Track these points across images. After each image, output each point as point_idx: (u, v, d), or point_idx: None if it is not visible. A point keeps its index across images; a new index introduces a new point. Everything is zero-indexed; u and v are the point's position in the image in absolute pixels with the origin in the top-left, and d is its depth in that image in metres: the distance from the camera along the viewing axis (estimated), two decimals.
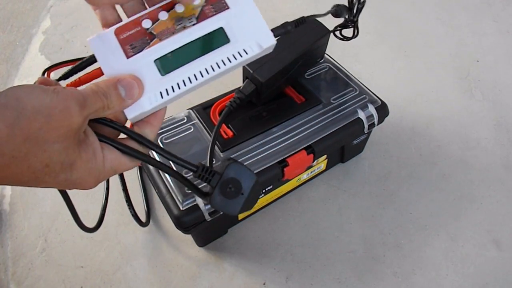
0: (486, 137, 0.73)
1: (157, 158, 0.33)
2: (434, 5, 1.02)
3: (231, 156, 0.51)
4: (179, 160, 0.31)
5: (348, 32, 0.55)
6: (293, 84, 0.60)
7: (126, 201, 0.60)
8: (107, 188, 0.59)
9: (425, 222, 0.61)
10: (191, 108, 0.57)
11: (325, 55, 0.66)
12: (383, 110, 0.58)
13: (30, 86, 0.23)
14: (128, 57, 0.29)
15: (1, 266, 0.57)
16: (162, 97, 0.30)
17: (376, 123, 0.58)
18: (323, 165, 0.63)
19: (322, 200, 0.64)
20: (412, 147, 0.71)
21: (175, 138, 0.53)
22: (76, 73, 0.33)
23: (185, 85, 0.30)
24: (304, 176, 0.62)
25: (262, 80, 0.51)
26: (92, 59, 0.31)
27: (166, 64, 0.30)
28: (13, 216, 0.62)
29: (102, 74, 0.29)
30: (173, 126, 0.55)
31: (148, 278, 0.55)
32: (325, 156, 0.60)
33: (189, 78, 0.30)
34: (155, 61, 0.30)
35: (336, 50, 0.89)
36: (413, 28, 0.95)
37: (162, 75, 0.30)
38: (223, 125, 0.54)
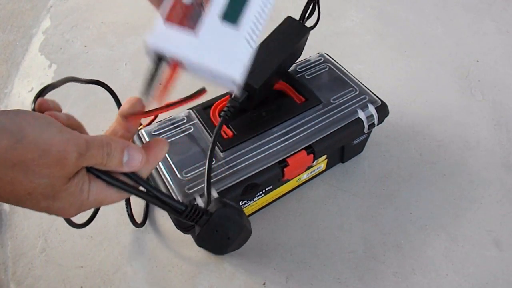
0: (486, 137, 0.73)
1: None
2: (434, 5, 1.02)
3: (232, 156, 0.51)
4: (167, 199, 0.31)
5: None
6: (286, 81, 0.60)
7: (125, 200, 0.60)
8: None
9: (425, 222, 0.61)
10: (191, 108, 0.57)
11: (325, 54, 0.66)
12: (383, 110, 0.58)
13: (38, 116, 0.23)
14: (195, 30, 0.28)
15: (1, 266, 0.57)
16: (250, 46, 0.29)
17: (376, 123, 0.58)
18: (323, 165, 0.63)
19: (322, 200, 0.64)
20: (412, 147, 0.71)
21: (175, 138, 0.53)
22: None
23: (259, 22, 0.30)
24: (304, 176, 0.62)
25: (256, 87, 0.51)
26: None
27: (232, 14, 0.29)
28: (13, 216, 0.62)
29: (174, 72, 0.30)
30: (173, 126, 0.55)
31: (148, 278, 0.55)
32: (325, 156, 0.60)
33: (258, 13, 0.29)
34: (220, 18, 0.29)
35: (336, 50, 0.89)
36: (413, 28, 0.95)
37: (235, 25, 0.29)
38: (223, 125, 0.54)
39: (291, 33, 0.57)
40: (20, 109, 0.23)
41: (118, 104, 0.48)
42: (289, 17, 0.58)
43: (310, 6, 0.58)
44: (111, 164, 0.27)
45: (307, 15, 0.58)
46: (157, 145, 0.31)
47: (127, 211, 0.59)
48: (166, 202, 0.30)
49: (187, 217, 0.32)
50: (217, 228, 0.33)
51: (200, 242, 0.33)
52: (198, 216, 0.32)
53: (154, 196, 0.30)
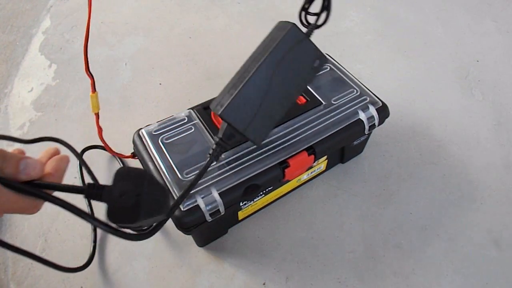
0: (486, 137, 0.73)
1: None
2: (434, 5, 1.02)
3: (232, 157, 0.51)
4: (64, 187, 0.31)
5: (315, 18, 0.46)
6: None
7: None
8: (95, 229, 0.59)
9: (425, 222, 0.61)
10: (191, 108, 0.57)
11: (326, 55, 0.66)
12: (383, 111, 0.58)
13: None
14: None
15: (1, 266, 0.57)
16: None
17: (376, 124, 0.58)
18: (323, 166, 0.63)
19: (322, 200, 0.64)
20: (412, 147, 0.71)
21: (175, 138, 0.53)
22: None
23: None
24: (304, 177, 0.62)
25: (258, 145, 0.44)
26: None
27: None
28: (13, 216, 0.62)
29: None
30: (174, 126, 0.55)
31: (148, 278, 0.55)
32: (325, 157, 0.60)
33: None
34: None
35: (336, 50, 0.89)
36: (413, 28, 0.95)
37: None
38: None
39: (301, 60, 0.43)
40: None
41: (75, 153, 0.49)
42: (293, 26, 0.42)
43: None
44: (6, 171, 0.27)
45: (318, 11, 0.46)
46: (59, 158, 0.34)
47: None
48: (65, 191, 0.31)
49: (90, 196, 0.31)
50: (121, 191, 0.31)
51: (114, 218, 0.30)
52: (99, 189, 0.31)
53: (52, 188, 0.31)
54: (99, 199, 0.31)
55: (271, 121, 0.43)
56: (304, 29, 0.45)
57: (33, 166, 0.29)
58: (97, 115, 0.54)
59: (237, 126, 0.40)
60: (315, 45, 0.43)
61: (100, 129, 0.55)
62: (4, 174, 0.27)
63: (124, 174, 0.32)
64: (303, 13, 0.48)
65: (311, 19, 0.47)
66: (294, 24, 0.42)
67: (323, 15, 0.45)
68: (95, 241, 0.59)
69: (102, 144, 0.57)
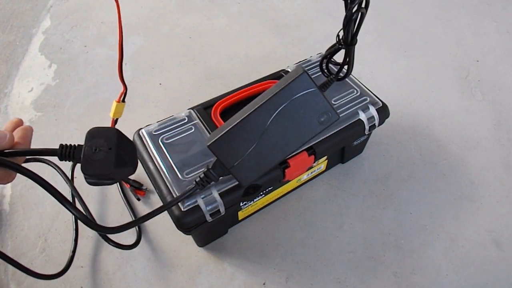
0: (486, 137, 0.73)
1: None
2: (434, 5, 1.02)
3: None
4: (37, 151, 0.32)
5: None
6: None
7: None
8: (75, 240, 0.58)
9: (425, 222, 0.61)
10: (191, 108, 0.57)
11: None
12: (384, 111, 0.58)
13: None
14: None
15: (1, 266, 0.57)
16: None
17: (377, 124, 0.58)
18: (323, 166, 0.63)
19: (322, 200, 0.64)
20: (412, 147, 0.71)
21: (175, 138, 0.53)
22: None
23: None
24: (304, 177, 0.62)
25: (245, 184, 0.44)
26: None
27: None
28: (13, 216, 0.62)
29: None
30: (174, 126, 0.55)
31: (148, 278, 0.55)
32: (325, 157, 0.60)
33: None
34: None
35: None
36: (413, 28, 0.95)
37: None
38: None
39: (306, 112, 0.40)
40: None
41: (65, 177, 0.50)
42: (304, 73, 0.39)
43: (334, 52, 0.45)
44: None
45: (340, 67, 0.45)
46: (24, 128, 0.35)
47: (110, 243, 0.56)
48: (37, 154, 0.32)
49: (65, 156, 0.33)
50: (93, 147, 0.33)
51: (88, 169, 0.33)
52: (73, 149, 0.33)
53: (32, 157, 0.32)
54: (72, 158, 0.33)
55: (261, 166, 0.42)
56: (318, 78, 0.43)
57: (2, 137, 0.31)
58: (115, 120, 0.55)
59: (224, 162, 0.41)
60: (325, 99, 0.40)
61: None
62: None
63: (95, 133, 0.34)
64: (324, 61, 0.45)
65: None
66: (306, 72, 0.39)
67: (345, 68, 0.44)
68: (76, 232, 0.58)
69: None
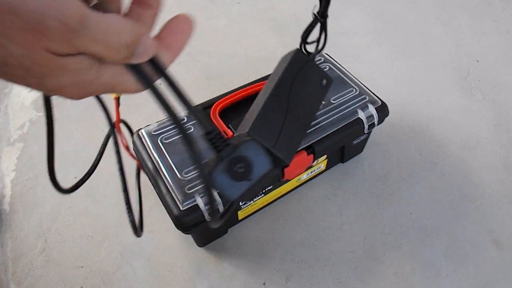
0: (486, 137, 0.73)
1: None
2: (433, 5, 1.02)
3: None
4: (194, 110, 0.26)
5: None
6: None
7: (126, 204, 0.51)
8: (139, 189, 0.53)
9: (425, 222, 0.61)
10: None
11: (325, 54, 0.66)
12: (383, 110, 0.58)
13: None
14: None
15: (1, 266, 0.57)
16: None
17: (376, 123, 0.58)
18: (323, 165, 0.63)
19: (322, 200, 0.64)
20: (412, 147, 0.71)
21: (175, 138, 0.53)
22: None
23: None
24: (304, 176, 0.62)
25: (288, 162, 0.43)
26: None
27: None
28: (13, 216, 0.62)
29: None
30: (173, 126, 0.55)
31: (148, 278, 0.55)
32: (325, 156, 0.60)
33: None
34: None
35: (336, 50, 0.89)
36: (413, 28, 0.95)
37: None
38: (223, 125, 0.54)
39: (310, 80, 0.45)
40: None
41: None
42: (297, 50, 0.45)
43: (313, 27, 0.50)
44: (115, 58, 0.20)
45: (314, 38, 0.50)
46: (180, 30, 0.25)
47: (129, 217, 0.52)
48: (195, 116, 0.26)
49: (212, 141, 0.28)
50: (240, 162, 0.29)
51: (214, 178, 0.28)
52: (223, 143, 0.28)
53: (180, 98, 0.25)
54: (217, 151, 0.28)
55: (295, 139, 0.43)
56: None
57: (147, 50, 0.22)
58: (118, 100, 0.50)
59: (266, 143, 0.41)
60: (319, 66, 0.46)
61: (118, 115, 0.52)
62: (107, 58, 0.21)
63: (253, 150, 0.29)
64: (303, 44, 0.51)
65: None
66: (298, 48, 0.44)
67: (321, 41, 0.50)
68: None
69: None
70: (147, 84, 0.24)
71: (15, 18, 0.16)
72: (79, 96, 0.21)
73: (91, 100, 0.82)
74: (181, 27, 0.25)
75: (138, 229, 0.48)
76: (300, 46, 0.51)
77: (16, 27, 0.16)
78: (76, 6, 0.17)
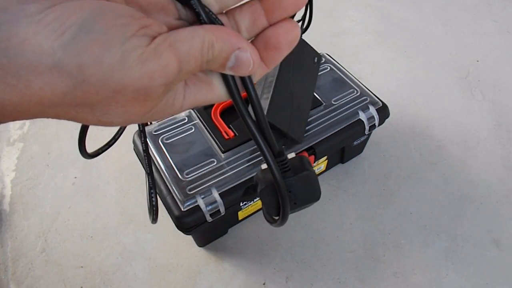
0: (486, 137, 0.73)
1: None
2: (434, 5, 1.02)
3: (233, 157, 0.51)
4: (267, 132, 0.24)
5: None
6: None
7: (150, 188, 0.46)
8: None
9: (425, 222, 0.61)
10: (192, 108, 0.57)
11: (326, 55, 0.66)
12: (384, 111, 0.58)
13: (105, 28, 0.15)
14: None
15: (1, 266, 0.57)
16: None
17: (377, 124, 0.58)
18: (323, 166, 0.63)
19: (322, 200, 0.64)
20: (412, 147, 0.71)
21: (175, 138, 0.53)
22: None
23: None
24: None
25: (302, 140, 0.46)
26: None
27: None
28: (13, 216, 0.62)
29: None
30: (174, 126, 0.55)
31: (148, 278, 0.55)
32: (325, 157, 0.60)
33: None
34: None
35: (336, 50, 0.89)
36: (413, 28, 0.95)
37: None
38: (224, 126, 0.54)
39: (305, 59, 0.47)
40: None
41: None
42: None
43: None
44: (210, 67, 0.19)
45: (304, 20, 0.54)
46: (281, 45, 0.21)
47: (152, 201, 0.46)
48: (265, 135, 0.25)
49: (280, 162, 0.27)
50: (292, 189, 0.29)
51: (263, 195, 0.29)
52: (286, 167, 0.28)
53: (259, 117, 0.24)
54: (284, 172, 0.28)
55: (303, 118, 0.45)
56: None
57: (245, 64, 0.19)
58: None
59: (280, 127, 0.41)
60: (308, 43, 0.47)
61: None
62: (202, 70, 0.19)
63: (308, 181, 0.30)
64: None
65: None
66: None
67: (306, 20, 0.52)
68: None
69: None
70: (235, 95, 0.22)
71: (121, 96, 0.17)
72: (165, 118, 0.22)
73: None
74: (285, 37, 0.21)
75: (155, 215, 0.46)
76: None
77: (118, 105, 0.17)
78: (174, 59, 0.17)
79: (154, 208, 0.45)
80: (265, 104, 0.41)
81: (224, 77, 0.21)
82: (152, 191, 0.44)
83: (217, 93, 0.21)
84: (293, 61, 0.44)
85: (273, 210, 0.30)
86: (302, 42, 0.46)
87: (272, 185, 0.29)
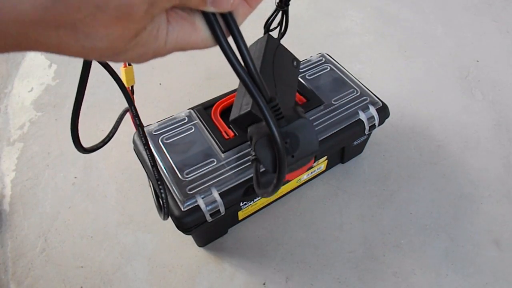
0: (486, 137, 0.73)
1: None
2: (434, 5, 1.02)
3: (233, 157, 0.51)
4: (257, 77, 0.24)
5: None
6: None
7: (158, 181, 0.43)
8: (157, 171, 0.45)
9: (425, 222, 0.61)
10: (191, 108, 0.57)
11: (326, 55, 0.66)
12: (383, 111, 0.58)
13: None
14: None
15: (1, 266, 0.57)
16: None
17: (377, 124, 0.58)
18: (323, 166, 0.63)
19: (322, 200, 0.64)
20: (412, 147, 0.71)
21: (175, 138, 0.53)
22: None
23: None
24: (304, 177, 0.62)
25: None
26: None
27: None
28: (13, 216, 0.62)
29: None
30: (174, 126, 0.55)
31: (148, 278, 0.55)
32: (325, 157, 0.60)
33: None
34: None
35: (336, 50, 0.89)
36: (413, 28, 0.95)
37: None
38: (224, 125, 0.54)
39: (284, 61, 0.48)
40: None
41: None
42: (269, 35, 0.49)
43: (275, 14, 0.55)
44: (190, 3, 0.19)
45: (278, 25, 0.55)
46: None
47: (162, 194, 0.44)
48: (256, 82, 0.24)
49: (273, 108, 0.26)
50: (289, 138, 0.28)
51: (258, 148, 0.28)
52: (279, 114, 0.27)
53: (246, 62, 0.23)
54: (278, 115, 0.27)
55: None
56: None
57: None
58: (132, 88, 0.49)
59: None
60: (287, 49, 0.49)
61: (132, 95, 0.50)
62: (186, 5, 0.20)
63: (305, 129, 0.29)
64: (267, 31, 0.56)
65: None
66: (269, 34, 0.48)
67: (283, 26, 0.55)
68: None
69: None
70: (220, 37, 0.21)
71: (103, 14, 0.16)
72: (146, 61, 0.22)
73: (90, 100, 0.83)
74: None
75: (165, 211, 0.44)
76: (265, 32, 0.56)
77: (100, 25, 0.16)
78: None
79: (164, 201, 0.42)
80: (247, 106, 0.41)
81: (207, 16, 0.20)
82: (159, 182, 0.42)
83: (201, 35, 0.21)
84: (273, 65, 0.45)
85: (269, 165, 0.29)
86: (280, 47, 0.47)
87: (268, 136, 0.28)
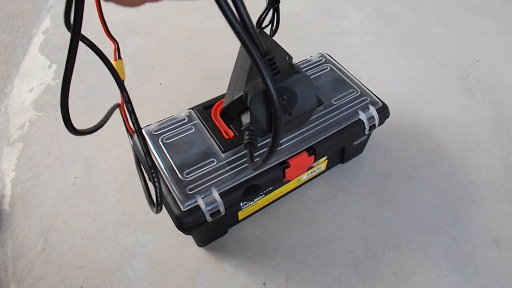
0: (486, 137, 0.73)
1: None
2: (434, 5, 1.02)
3: (233, 157, 0.51)
4: (252, 29, 0.23)
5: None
6: None
7: (151, 168, 0.39)
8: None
9: (425, 222, 0.61)
10: (192, 108, 0.57)
11: (326, 55, 0.66)
12: (384, 111, 0.58)
13: None
14: None
15: (1, 266, 0.57)
16: None
17: (377, 124, 0.58)
18: (323, 166, 0.63)
19: (322, 200, 0.64)
20: (412, 147, 0.71)
21: (175, 138, 0.53)
22: None
23: None
24: (304, 177, 0.62)
25: None
26: None
27: None
28: (13, 216, 0.62)
29: None
30: (174, 126, 0.55)
31: (148, 278, 0.55)
32: (325, 157, 0.60)
33: None
34: None
35: (336, 50, 0.89)
36: (413, 28, 0.95)
37: None
38: (224, 125, 0.54)
39: (278, 60, 0.49)
40: None
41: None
42: (261, 30, 0.49)
43: (267, 12, 0.55)
44: None
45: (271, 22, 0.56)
46: None
47: (155, 184, 0.40)
48: (250, 34, 0.23)
49: (269, 62, 0.25)
50: (285, 94, 0.26)
51: (253, 103, 0.26)
52: (275, 68, 0.26)
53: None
54: (274, 72, 0.26)
55: None
56: None
57: None
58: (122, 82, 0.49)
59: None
60: (279, 44, 0.48)
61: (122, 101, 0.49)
62: None
63: (301, 85, 0.27)
64: (260, 28, 0.56)
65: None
66: (261, 28, 0.48)
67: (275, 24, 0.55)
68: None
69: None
70: None
71: None
72: (139, 4, 0.20)
73: (90, 100, 0.82)
74: None
75: (158, 201, 0.39)
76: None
77: None
78: None
79: (158, 191, 0.38)
80: (240, 92, 0.40)
81: None
82: (153, 171, 0.37)
83: None
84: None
85: (265, 123, 0.27)
86: (273, 43, 0.46)
87: (264, 92, 0.26)
